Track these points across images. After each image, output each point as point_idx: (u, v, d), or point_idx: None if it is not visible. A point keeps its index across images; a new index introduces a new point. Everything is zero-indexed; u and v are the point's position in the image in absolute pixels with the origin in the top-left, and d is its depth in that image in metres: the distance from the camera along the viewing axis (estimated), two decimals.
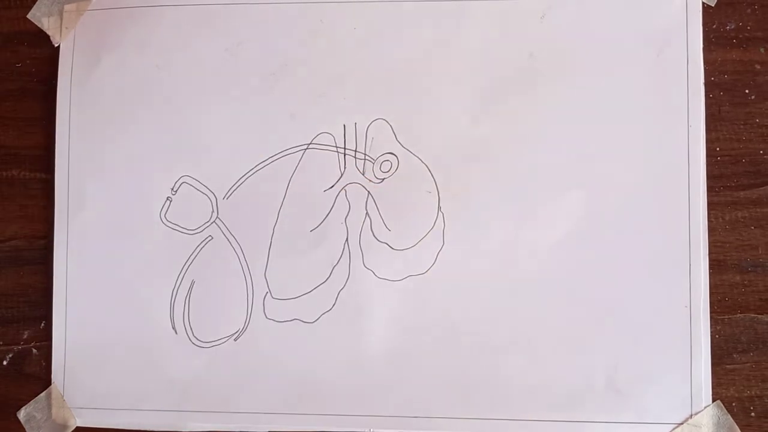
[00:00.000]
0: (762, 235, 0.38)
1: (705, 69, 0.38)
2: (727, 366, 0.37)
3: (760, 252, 0.38)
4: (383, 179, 0.39)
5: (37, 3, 0.41)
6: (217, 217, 0.40)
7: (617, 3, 0.39)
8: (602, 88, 0.38)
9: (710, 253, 0.37)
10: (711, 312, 0.37)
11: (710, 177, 0.38)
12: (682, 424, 0.36)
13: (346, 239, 0.39)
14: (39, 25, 0.41)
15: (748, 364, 0.37)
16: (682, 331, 0.37)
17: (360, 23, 0.40)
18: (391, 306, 0.38)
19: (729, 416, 0.37)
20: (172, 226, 0.40)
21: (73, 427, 0.39)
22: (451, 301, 0.38)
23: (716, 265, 0.38)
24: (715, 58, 0.39)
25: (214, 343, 0.39)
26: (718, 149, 0.38)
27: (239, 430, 0.39)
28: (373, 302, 0.38)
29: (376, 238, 0.39)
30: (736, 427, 0.36)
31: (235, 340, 0.39)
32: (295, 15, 0.40)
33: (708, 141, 0.38)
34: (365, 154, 0.39)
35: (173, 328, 0.39)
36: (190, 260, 0.39)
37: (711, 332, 0.37)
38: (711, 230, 0.37)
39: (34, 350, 0.40)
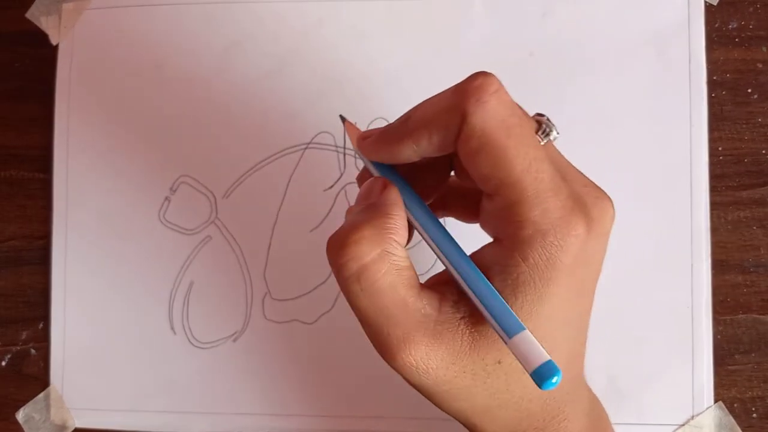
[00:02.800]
0: (764, 235, 0.38)
1: (707, 68, 0.38)
2: (729, 367, 0.37)
3: (762, 252, 0.38)
4: None
5: (35, 2, 0.41)
6: (216, 217, 0.39)
7: (619, 2, 0.38)
8: (603, 88, 0.38)
9: (712, 253, 0.37)
10: (713, 312, 0.37)
11: (712, 177, 0.37)
12: (683, 425, 0.36)
13: None
14: (37, 24, 0.41)
15: (750, 365, 0.37)
16: (683, 332, 0.36)
17: (359, 22, 0.40)
18: None
19: (731, 417, 0.36)
20: (170, 226, 0.40)
21: (72, 428, 0.39)
22: None
23: (718, 266, 0.37)
24: (717, 57, 0.38)
25: (213, 344, 0.39)
26: (720, 149, 0.38)
27: (239, 431, 0.38)
28: None
29: None
30: (738, 428, 0.36)
31: (234, 340, 0.39)
32: (295, 14, 0.40)
33: (710, 140, 0.37)
34: None
35: (172, 328, 0.39)
36: (189, 260, 0.39)
37: (713, 333, 0.37)
38: (713, 230, 0.37)
39: (33, 351, 0.40)
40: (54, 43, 0.41)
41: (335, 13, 0.40)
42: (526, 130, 0.22)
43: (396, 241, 0.22)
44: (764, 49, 0.39)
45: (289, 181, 0.39)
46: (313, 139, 0.39)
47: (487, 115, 0.21)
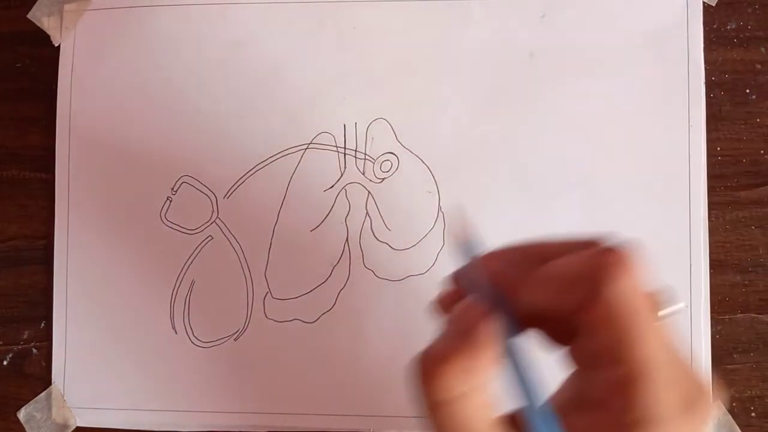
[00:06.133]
0: (762, 235, 0.38)
1: (706, 68, 0.38)
2: (728, 366, 0.37)
3: (760, 252, 0.38)
4: (383, 179, 0.39)
5: (37, 3, 0.41)
6: (217, 216, 0.40)
7: (618, 2, 0.38)
8: (602, 88, 0.38)
9: (711, 253, 0.37)
10: (711, 312, 0.37)
11: (711, 177, 0.38)
12: None
13: (346, 239, 0.39)
14: (39, 25, 0.41)
15: (749, 365, 0.37)
16: (682, 331, 0.37)
17: (360, 23, 0.40)
18: (391, 306, 0.38)
19: (729, 416, 0.36)
20: (172, 226, 0.40)
21: (74, 427, 0.39)
22: None
23: (717, 265, 0.37)
24: (716, 57, 0.39)
25: (214, 343, 0.39)
26: (718, 149, 0.38)
27: (239, 430, 0.39)
28: (373, 302, 0.38)
29: (376, 238, 0.39)
30: (737, 427, 0.36)
31: (235, 340, 0.39)
32: (295, 15, 0.40)
33: (708, 141, 0.38)
34: (365, 154, 0.39)
35: (173, 328, 0.39)
36: (190, 260, 0.39)
37: (711, 332, 0.37)
38: (711, 230, 0.37)
39: (34, 350, 0.40)
40: (55, 43, 0.41)
41: (335, 14, 0.40)
42: (652, 312, 0.23)
43: (487, 378, 0.22)
44: (763, 49, 0.39)
45: (289, 182, 0.39)
46: (313, 139, 0.39)
47: (618, 292, 0.22)
